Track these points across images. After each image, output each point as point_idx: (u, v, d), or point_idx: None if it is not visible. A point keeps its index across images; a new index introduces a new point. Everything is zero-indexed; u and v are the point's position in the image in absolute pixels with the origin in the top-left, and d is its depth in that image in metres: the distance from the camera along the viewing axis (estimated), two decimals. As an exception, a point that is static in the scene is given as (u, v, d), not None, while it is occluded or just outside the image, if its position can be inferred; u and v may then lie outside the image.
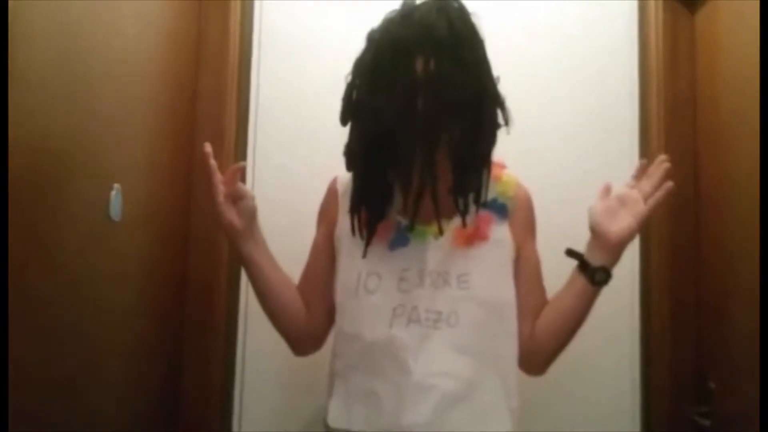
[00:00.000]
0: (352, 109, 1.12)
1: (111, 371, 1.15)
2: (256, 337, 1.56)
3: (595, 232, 1.15)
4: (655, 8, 1.61)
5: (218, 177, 1.16)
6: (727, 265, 1.43)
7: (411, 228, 1.12)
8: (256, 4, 1.63)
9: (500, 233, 1.16)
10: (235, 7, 1.59)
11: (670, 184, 1.15)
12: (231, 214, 1.16)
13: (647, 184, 1.16)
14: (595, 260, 1.15)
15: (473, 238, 1.14)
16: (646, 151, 1.60)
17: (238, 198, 1.18)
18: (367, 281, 1.13)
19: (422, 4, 1.11)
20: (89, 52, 1.03)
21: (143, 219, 1.27)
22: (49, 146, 0.92)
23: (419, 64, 1.05)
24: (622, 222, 1.13)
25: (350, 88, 1.13)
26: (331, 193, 1.26)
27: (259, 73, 1.63)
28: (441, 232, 1.11)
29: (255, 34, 1.63)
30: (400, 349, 1.09)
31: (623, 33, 1.65)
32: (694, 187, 1.55)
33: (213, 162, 1.16)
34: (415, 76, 1.04)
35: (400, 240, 1.14)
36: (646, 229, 1.34)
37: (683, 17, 1.61)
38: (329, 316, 1.21)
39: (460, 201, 1.10)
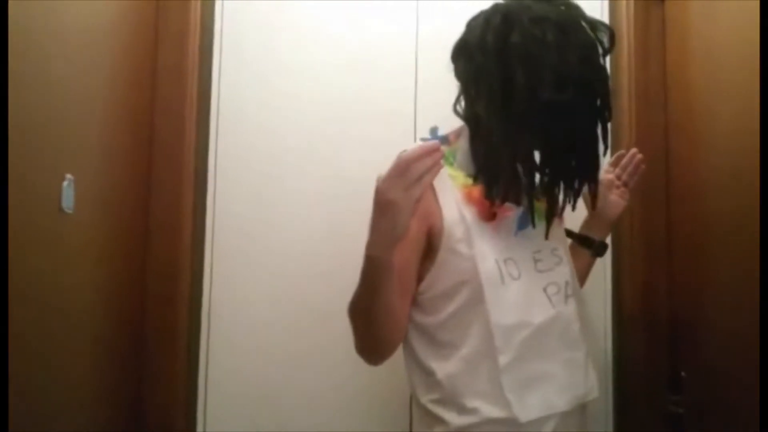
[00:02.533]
0: (578, 89, 1.07)
1: (65, 374, 1.08)
2: (220, 333, 1.51)
3: (595, 214, 1.34)
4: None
5: (431, 178, 0.95)
6: (698, 255, 1.43)
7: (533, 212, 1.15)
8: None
9: None
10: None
11: (643, 168, 1.39)
12: (410, 221, 0.97)
13: (624, 174, 1.38)
14: (597, 236, 1.36)
15: (560, 218, 1.24)
16: (617, 140, 1.59)
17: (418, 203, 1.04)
18: (507, 268, 1.11)
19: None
20: (39, 33, 0.95)
21: (99, 211, 1.19)
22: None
23: (595, 65, 1.12)
24: (615, 203, 1.35)
25: (527, 76, 1.06)
26: None
27: (221, 57, 1.56)
28: (561, 214, 1.20)
29: (217, 13, 1.56)
30: (569, 324, 1.15)
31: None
32: (666, 177, 1.56)
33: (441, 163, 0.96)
34: (600, 73, 1.13)
35: (523, 223, 1.15)
36: (618, 219, 1.40)
37: (653, 5, 1.60)
38: (409, 313, 1.13)
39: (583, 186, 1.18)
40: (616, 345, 1.57)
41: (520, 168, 1.10)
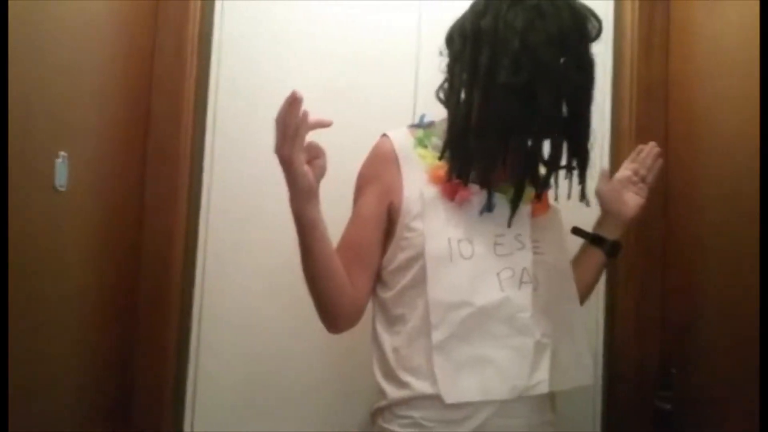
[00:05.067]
0: (541, 73, 1.06)
1: (57, 358, 1.07)
2: (212, 316, 1.50)
3: (609, 212, 1.32)
4: (632, -7, 1.59)
5: (306, 129, 1.01)
6: (693, 255, 1.43)
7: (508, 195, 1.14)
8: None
9: (554, 204, 1.24)
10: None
11: (660, 162, 1.36)
12: (310, 174, 1.04)
13: (642, 168, 1.35)
14: (610, 236, 1.32)
15: (544, 206, 1.21)
16: (617, 137, 1.59)
17: (314, 155, 1.06)
18: (460, 247, 1.10)
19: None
20: (35, 13, 0.94)
21: (93, 189, 1.18)
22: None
23: (568, 50, 1.08)
24: (631, 201, 1.32)
25: (520, 52, 1.05)
26: (387, 156, 1.17)
27: (220, 46, 1.54)
28: (531, 201, 1.17)
29: (217, 4, 1.54)
30: (518, 310, 1.11)
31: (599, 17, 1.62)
32: (665, 177, 1.55)
33: (304, 110, 1.00)
34: (575, 60, 1.09)
35: (488, 206, 1.13)
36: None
37: (659, 4, 1.59)
38: (371, 289, 1.17)
39: (555, 174, 1.16)
40: (608, 339, 1.57)
41: (485, 150, 1.10)
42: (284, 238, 1.13)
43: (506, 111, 1.06)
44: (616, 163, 1.51)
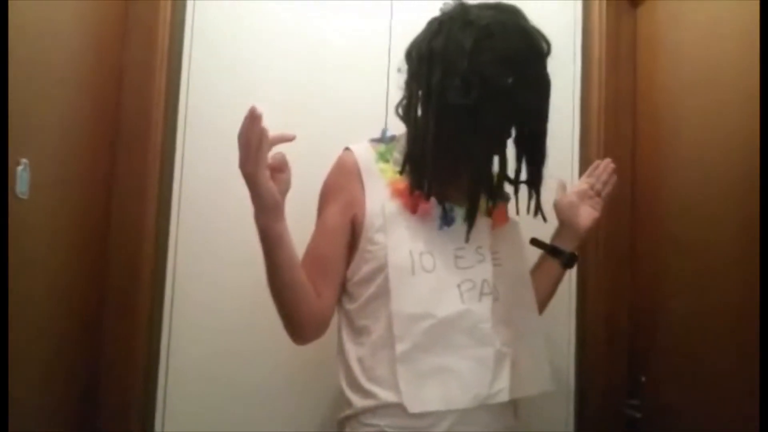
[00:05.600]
0: (489, 93, 1.09)
1: (17, 375, 1.04)
2: (182, 328, 1.47)
3: (565, 224, 1.36)
4: (599, 4, 1.61)
5: (268, 144, 1.03)
6: (660, 265, 1.45)
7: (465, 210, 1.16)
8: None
9: (513, 217, 1.29)
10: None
11: (615, 178, 1.41)
12: (274, 189, 1.06)
13: (597, 182, 1.39)
14: (567, 247, 1.35)
15: (505, 218, 1.26)
16: (585, 147, 1.60)
17: (278, 170, 1.08)
18: (422, 260, 1.13)
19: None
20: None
21: (56, 197, 1.16)
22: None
23: (518, 70, 1.11)
24: (586, 214, 1.36)
25: (485, 70, 1.09)
26: (350, 169, 1.19)
27: (191, 52, 1.52)
28: (489, 214, 1.21)
29: (188, 9, 1.52)
30: (479, 321, 1.13)
31: (566, 28, 1.65)
32: (631, 186, 1.57)
33: (264, 126, 1.02)
34: (525, 79, 1.11)
35: (447, 220, 1.17)
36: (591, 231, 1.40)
37: (626, 13, 1.62)
38: (336, 300, 1.20)
39: (514, 188, 1.23)
40: (578, 349, 1.58)
41: (438, 167, 1.13)
42: (255, 236, 1.13)
43: (456, 130, 1.10)
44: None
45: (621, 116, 1.60)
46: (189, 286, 1.49)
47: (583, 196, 1.36)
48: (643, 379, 1.46)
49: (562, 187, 1.39)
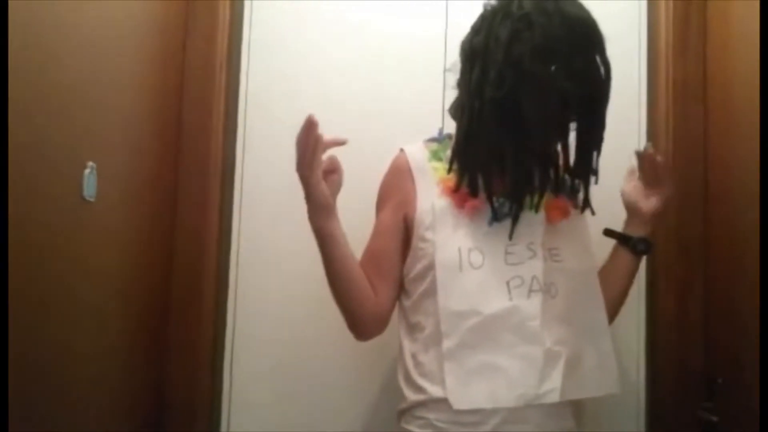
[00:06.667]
0: (528, 84, 1.07)
1: (86, 373, 1.08)
2: (246, 323, 1.50)
3: (633, 210, 1.32)
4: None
5: (322, 148, 1.12)
6: (735, 258, 1.37)
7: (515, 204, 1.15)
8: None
9: (576, 209, 1.24)
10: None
11: (659, 159, 1.32)
12: (326, 190, 1.14)
13: (645, 175, 1.32)
14: (637, 233, 1.31)
15: (564, 213, 1.21)
16: (655, 138, 1.54)
17: (330, 171, 1.17)
18: (470, 257, 1.13)
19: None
20: (62, 25, 0.96)
21: (123, 200, 1.20)
22: (17, 121, 0.84)
23: (580, 57, 1.09)
24: (653, 198, 1.31)
25: (535, 62, 1.06)
26: (403, 169, 1.23)
27: (249, 53, 1.56)
28: (537, 209, 1.17)
29: (246, 11, 1.56)
30: (527, 319, 1.12)
31: (632, 15, 1.60)
32: (704, 177, 1.50)
33: (319, 132, 1.10)
34: (578, 65, 1.08)
35: (497, 216, 1.16)
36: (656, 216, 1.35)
37: (695, 3, 1.55)
38: (395, 298, 1.22)
39: (577, 181, 1.20)
40: (650, 347, 1.52)
41: (481, 162, 1.13)
42: (315, 243, 1.16)
43: (495, 124, 1.09)
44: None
45: (690, 104, 1.53)
46: (252, 289, 1.52)
47: (647, 182, 1.31)
48: (720, 380, 1.39)
49: (632, 172, 1.34)
